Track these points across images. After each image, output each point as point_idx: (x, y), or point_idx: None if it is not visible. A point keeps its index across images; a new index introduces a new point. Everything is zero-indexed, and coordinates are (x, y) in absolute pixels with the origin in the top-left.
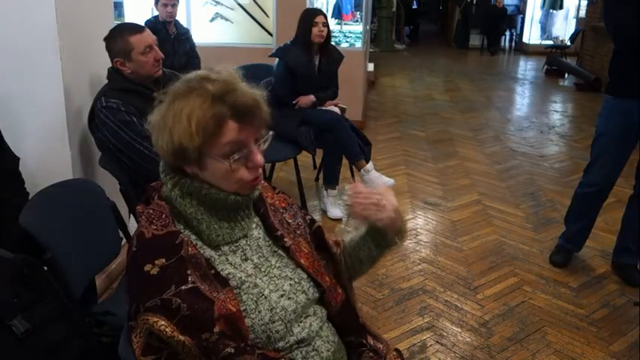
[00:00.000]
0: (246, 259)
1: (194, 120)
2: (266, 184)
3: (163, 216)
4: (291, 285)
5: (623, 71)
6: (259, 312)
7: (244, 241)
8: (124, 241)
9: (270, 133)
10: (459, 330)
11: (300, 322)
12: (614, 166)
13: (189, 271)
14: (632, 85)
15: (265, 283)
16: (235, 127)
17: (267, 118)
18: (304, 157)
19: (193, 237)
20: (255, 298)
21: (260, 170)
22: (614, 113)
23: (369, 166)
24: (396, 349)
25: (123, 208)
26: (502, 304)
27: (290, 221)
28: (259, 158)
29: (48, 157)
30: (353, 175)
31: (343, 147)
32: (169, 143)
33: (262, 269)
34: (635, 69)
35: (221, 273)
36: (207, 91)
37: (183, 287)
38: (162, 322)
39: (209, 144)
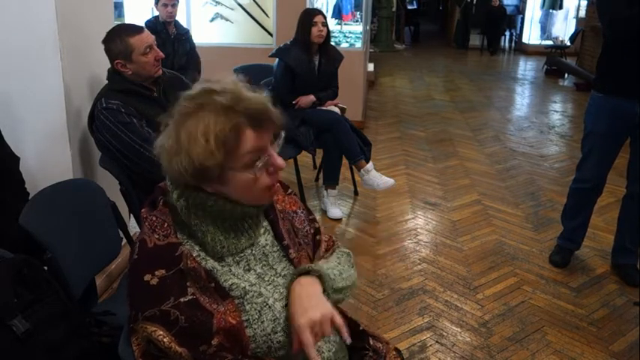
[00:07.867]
0: (249, 270)
1: (212, 136)
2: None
3: (165, 225)
4: None
5: (613, 68)
6: (262, 322)
7: (249, 251)
8: (124, 241)
9: (282, 132)
10: (459, 330)
11: None
12: (606, 162)
13: (188, 283)
14: (621, 83)
15: (270, 291)
16: (252, 134)
17: (279, 119)
18: (304, 157)
19: (197, 248)
20: (259, 308)
21: (279, 173)
22: (603, 111)
23: (369, 166)
24: (396, 349)
25: (123, 208)
26: (502, 304)
27: (299, 227)
28: (280, 161)
29: (48, 157)
30: (353, 175)
31: (343, 147)
32: (188, 165)
33: (266, 278)
34: (625, 66)
35: (223, 284)
36: (218, 104)
37: (182, 299)
38: (161, 332)
39: (231, 158)
